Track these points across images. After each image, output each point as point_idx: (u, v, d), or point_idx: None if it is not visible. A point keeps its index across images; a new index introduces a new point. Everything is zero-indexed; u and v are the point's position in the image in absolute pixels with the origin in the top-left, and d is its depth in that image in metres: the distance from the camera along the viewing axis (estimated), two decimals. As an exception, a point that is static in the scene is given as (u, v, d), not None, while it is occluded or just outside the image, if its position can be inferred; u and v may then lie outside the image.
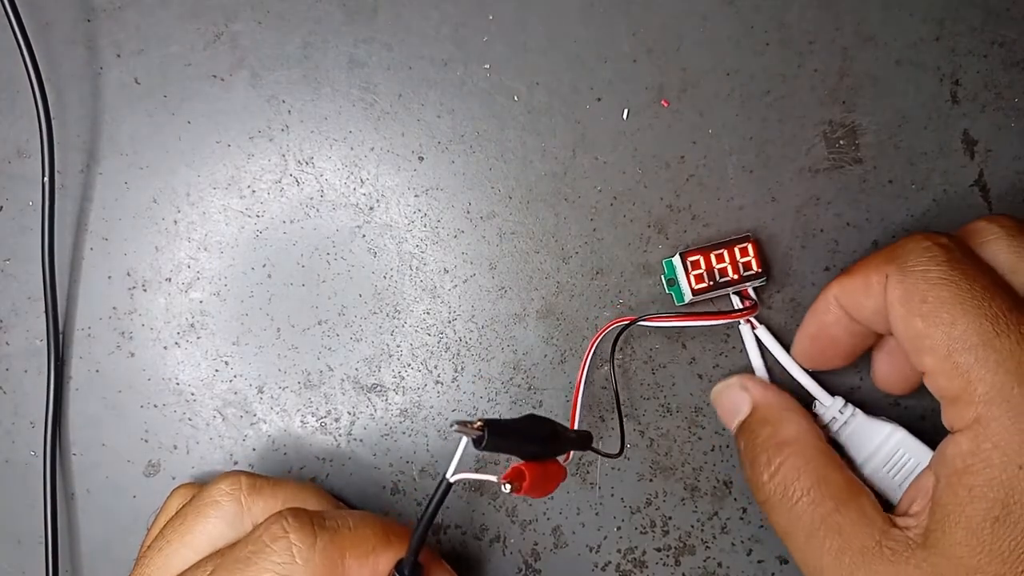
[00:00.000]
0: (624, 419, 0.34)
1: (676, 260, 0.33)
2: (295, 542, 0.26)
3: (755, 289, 0.34)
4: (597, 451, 0.31)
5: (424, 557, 0.28)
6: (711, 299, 0.34)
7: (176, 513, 0.30)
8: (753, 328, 0.34)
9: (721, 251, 0.32)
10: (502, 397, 0.35)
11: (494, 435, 0.24)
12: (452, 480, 0.26)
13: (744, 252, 0.32)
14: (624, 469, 0.35)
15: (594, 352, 0.33)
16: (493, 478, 0.25)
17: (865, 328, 0.30)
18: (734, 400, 0.32)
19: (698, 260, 0.32)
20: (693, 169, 0.34)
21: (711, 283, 0.32)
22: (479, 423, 0.23)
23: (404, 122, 0.34)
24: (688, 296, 0.33)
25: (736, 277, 0.32)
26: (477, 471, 0.34)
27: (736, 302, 0.33)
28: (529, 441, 0.26)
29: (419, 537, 0.27)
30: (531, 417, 0.27)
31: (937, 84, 0.34)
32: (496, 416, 0.35)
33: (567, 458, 0.29)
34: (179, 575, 0.28)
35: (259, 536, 0.26)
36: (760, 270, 0.32)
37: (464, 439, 0.24)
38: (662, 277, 0.34)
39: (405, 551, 0.28)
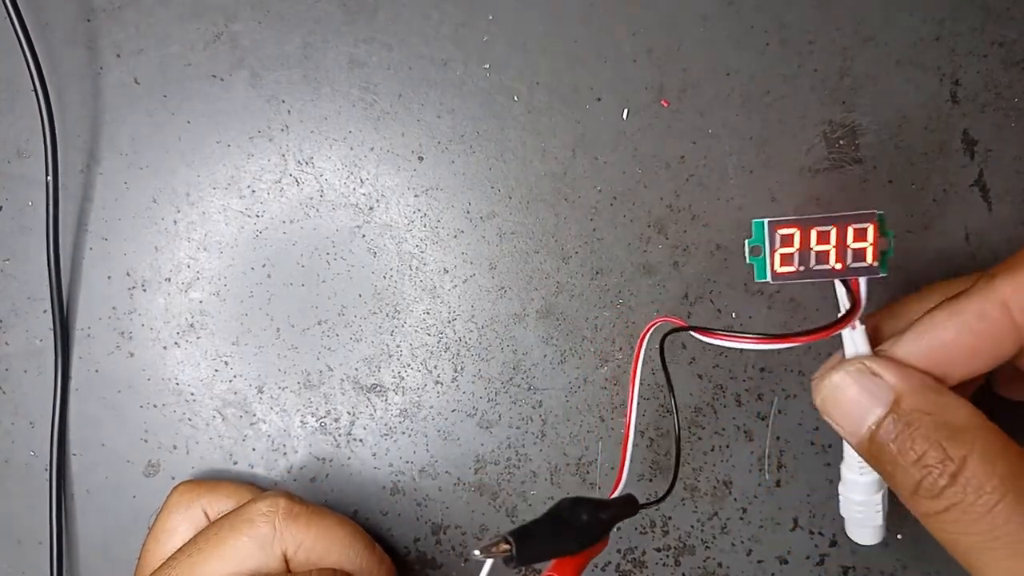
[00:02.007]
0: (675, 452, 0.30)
1: (766, 225, 0.26)
2: None
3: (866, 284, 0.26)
4: (647, 505, 0.27)
5: None
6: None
7: (213, 523, 0.30)
8: (852, 328, 0.26)
9: (828, 228, 0.25)
10: (502, 397, 0.35)
11: (524, 548, 0.21)
12: None
13: (860, 235, 0.25)
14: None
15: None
16: None
17: (1017, 344, 0.25)
18: (863, 392, 0.24)
19: (791, 235, 0.25)
20: (693, 169, 0.34)
21: (801, 268, 0.25)
22: (504, 543, 0.21)
23: (404, 122, 0.34)
24: (768, 277, 0.26)
25: (839, 267, 0.25)
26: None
27: (842, 295, 0.26)
28: (567, 537, 0.23)
29: None
30: (563, 503, 0.24)
31: (937, 84, 0.34)
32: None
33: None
34: None
35: None
36: (875, 263, 0.25)
37: (489, 562, 0.22)
38: (746, 243, 0.27)
39: None
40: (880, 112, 0.34)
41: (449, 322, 0.35)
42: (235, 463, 0.35)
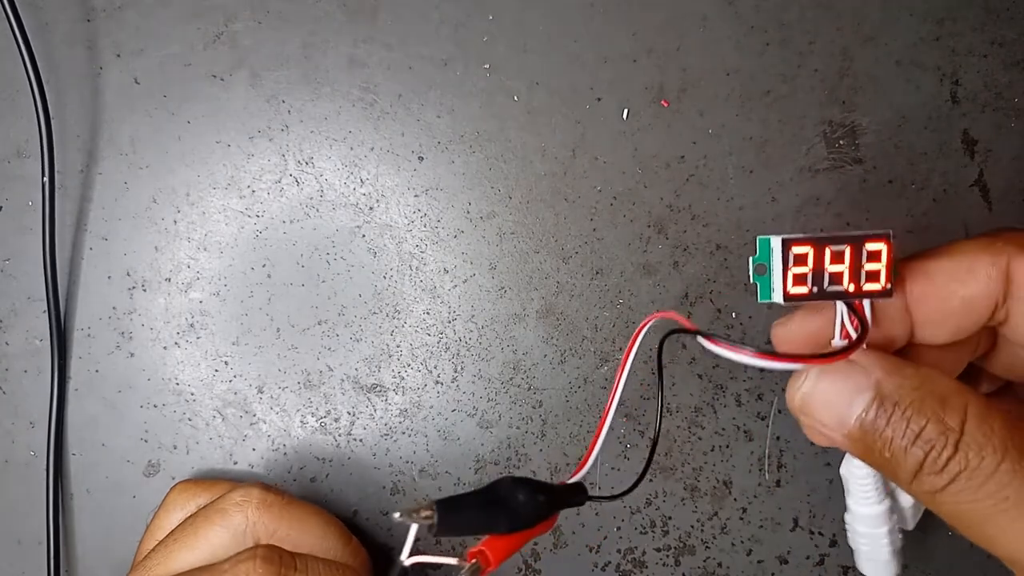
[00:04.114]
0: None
1: (776, 243, 0.25)
2: None
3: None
4: (596, 499, 0.26)
5: None
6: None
7: (190, 515, 0.31)
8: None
9: (842, 247, 0.24)
10: (502, 397, 0.35)
11: (447, 518, 0.20)
12: (407, 564, 0.22)
13: (874, 257, 0.24)
14: (624, 469, 0.35)
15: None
16: (453, 561, 0.22)
17: (908, 328, 0.25)
18: (843, 380, 0.23)
19: (806, 254, 0.24)
20: (693, 169, 0.34)
21: (814, 289, 0.24)
22: (427, 508, 0.20)
23: (404, 122, 0.34)
24: (778, 298, 0.25)
25: (852, 289, 0.24)
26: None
27: (843, 320, 0.25)
28: (498, 515, 0.22)
29: None
30: (503, 481, 0.23)
31: (937, 84, 0.34)
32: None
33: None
34: None
35: (226, 570, 0.27)
36: (888, 286, 0.24)
37: (414, 527, 0.21)
38: (750, 260, 0.26)
39: None
40: (880, 112, 0.34)
41: (449, 322, 0.35)
42: (235, 463, 0.35)
